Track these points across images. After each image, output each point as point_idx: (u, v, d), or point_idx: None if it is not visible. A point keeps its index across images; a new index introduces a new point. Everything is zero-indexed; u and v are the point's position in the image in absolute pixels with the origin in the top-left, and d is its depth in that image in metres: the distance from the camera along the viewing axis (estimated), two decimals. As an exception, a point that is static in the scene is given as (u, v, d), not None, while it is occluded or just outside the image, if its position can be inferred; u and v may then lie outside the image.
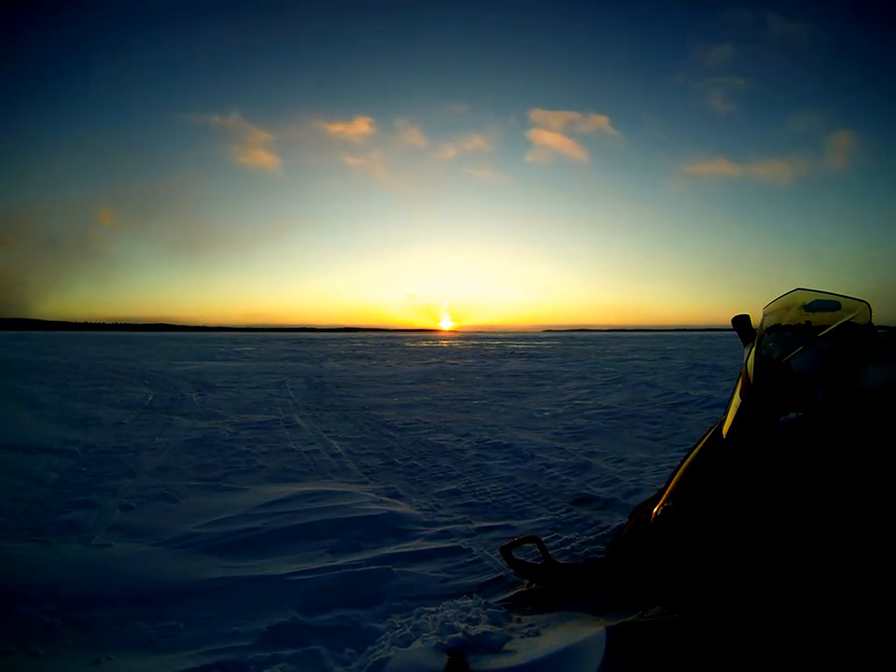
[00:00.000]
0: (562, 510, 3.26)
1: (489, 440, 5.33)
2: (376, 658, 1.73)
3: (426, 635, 1.81)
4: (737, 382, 1.80)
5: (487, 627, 1.84)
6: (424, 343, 42.41)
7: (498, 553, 2.47)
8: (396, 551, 2.66)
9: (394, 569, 2.43)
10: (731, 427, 1.70)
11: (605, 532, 2.82)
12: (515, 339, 58.98)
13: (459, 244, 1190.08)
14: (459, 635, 1.76)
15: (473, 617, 1.91)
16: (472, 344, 38.28)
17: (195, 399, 8.57)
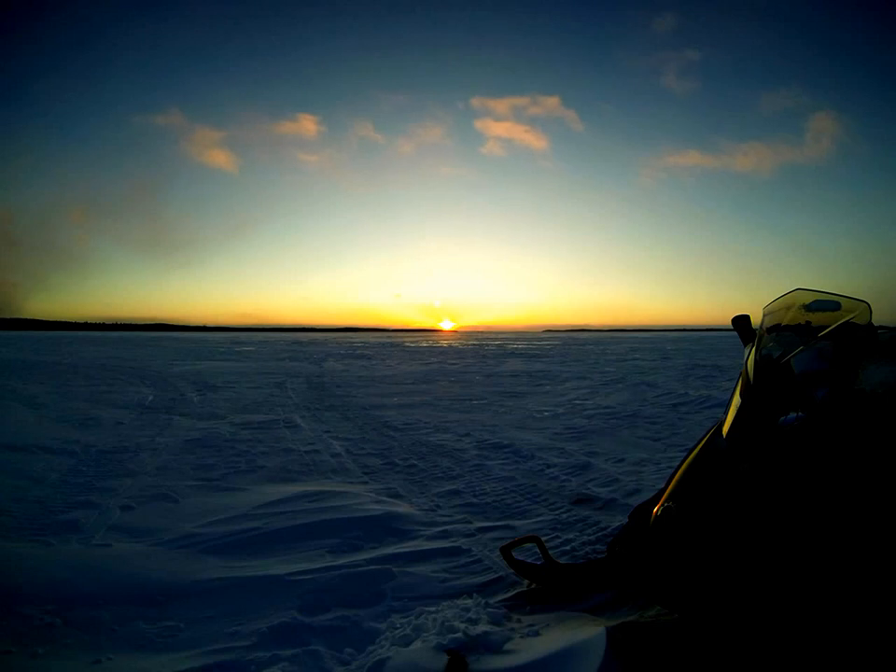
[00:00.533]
0: (562, 510, 3.26)
1: (489, 440, 5.33)
2: (376, 658, 1.73)
3: (426, 635, 1.81)
4: (737, 382, 1.80)
5: (487, 627, 1.84)
6: (424, 343, 42.42)
7: (498, 553, 2.47)
8: (396, 551, 2.66)
9: (394, 569, 2.43)
10: (731, 427, 1.70)
11: (605, 532, 2.82)
12: (515, 339, 59.01)
13: (442, 241, 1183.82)
14: (459, 635, 1.76)
15: (473, 617, 1.91)
16: (472, 344, 38.29)
17: (195, 398, 8.57)
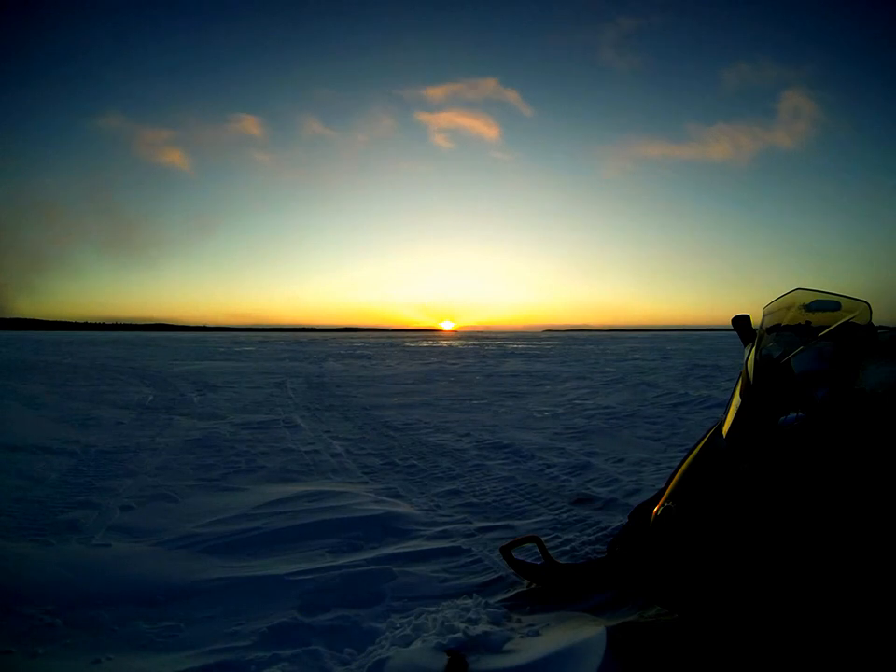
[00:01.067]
0: (562, 510, 3.26)
1: (489, 440, 5.33)
2: (376, 658, 1.72)
3: (426, 635, 1.81)
4: (737, 382, 1.80)
5: (487, 627, 1.84)
6: (424, 343, 42.43)
7: (498, 553, 2.47)
8: (396, 551, 2.66)
9: (394, 569, 2.43)
10: (731, 427, 1.70)
11: (605, 532, 2.82)
12: (515, 339, 59.02)
13: (411, 237, 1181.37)
14: (459, 635, 1.76)
15: (473, 617, 1.91)
16: (472, 345, 38.29)
17: (195, 398, 8.57)
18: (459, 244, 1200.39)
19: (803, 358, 1.65)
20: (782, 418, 1.62)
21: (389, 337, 76.78)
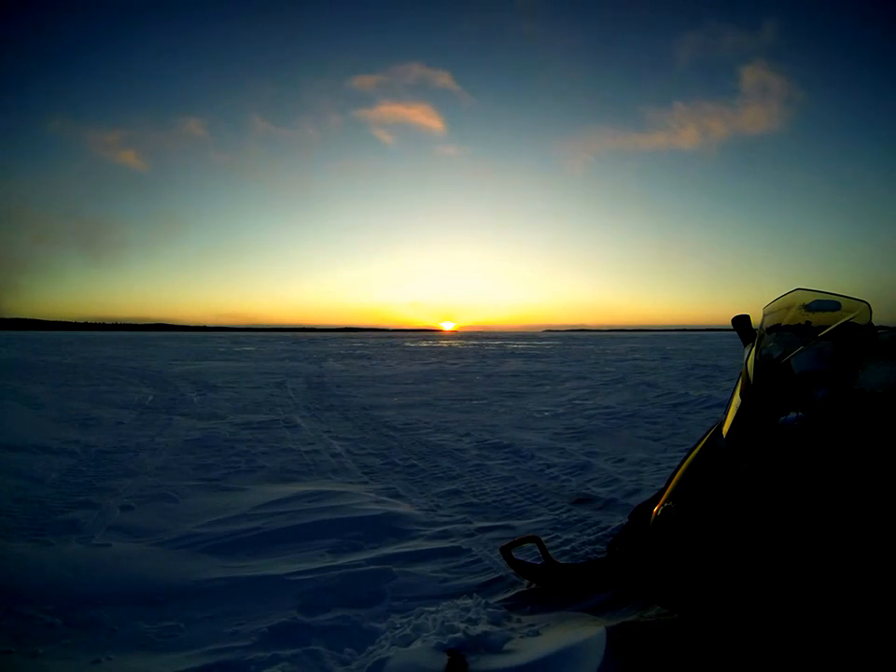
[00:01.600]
0: (562, 510, 3.26)
1: (489, 440, 5.33)
2: (376, 658, 1.72)
3: (426, 635, 1.81)
4: (737, 382, 1.80)
5: (487, 627, 1.84)
6: (423, 344, 42.42)
7: (498, 553, 2.47)
8: (396, 551, 2.66)
9: (394, 569, 2.43)
10: (731, 427, 1.70)
11: (605, 532, 2.82)
12: (515, 339, 59.01)
13: (431, 238, 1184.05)
14: (459, 635, 1.76)
15: (473, 617, 1.91)
16: (472, 345, 38.29)
17: (195, 398, 8.57)
18: (459, 244, 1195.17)
19: (803, 358, 1.65)
20: (782, 418, 1.62)
21: (389, 337, 76.80)
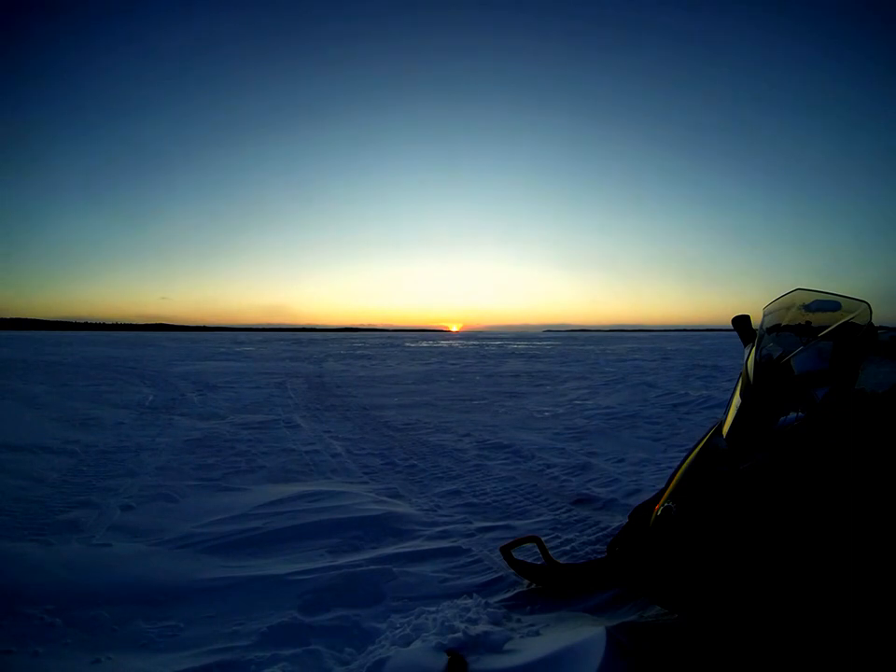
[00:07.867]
0: (562, 510, 3.26)
1: (489, 440, 5.33)
2: (376, 658, 1.72)
3: (426, 634, 1.81)
4: (737, 382, 1.80)
5: (487, 627, 1.84)
6: (424, 344, 42.42)
7: (498, 553, 2.47)
8: (396, 551, 2.66)
9: (394, 569, 2.43)
10: (731, 427, 1.70)
11: (605, 532, 2.82)
12: (515, 339, 59.01)
13: (432, 238, 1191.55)
14: (459, 635, 1.76)
15: (473, 617, 1.91)
16: (472, 345, 38.29)
17: (195, 398, 8.57)
18: (459, 244, 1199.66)
19: (803, 358, 1.65)
20: (782, 418, 1.62)
21: (389, 337, 76.77)
